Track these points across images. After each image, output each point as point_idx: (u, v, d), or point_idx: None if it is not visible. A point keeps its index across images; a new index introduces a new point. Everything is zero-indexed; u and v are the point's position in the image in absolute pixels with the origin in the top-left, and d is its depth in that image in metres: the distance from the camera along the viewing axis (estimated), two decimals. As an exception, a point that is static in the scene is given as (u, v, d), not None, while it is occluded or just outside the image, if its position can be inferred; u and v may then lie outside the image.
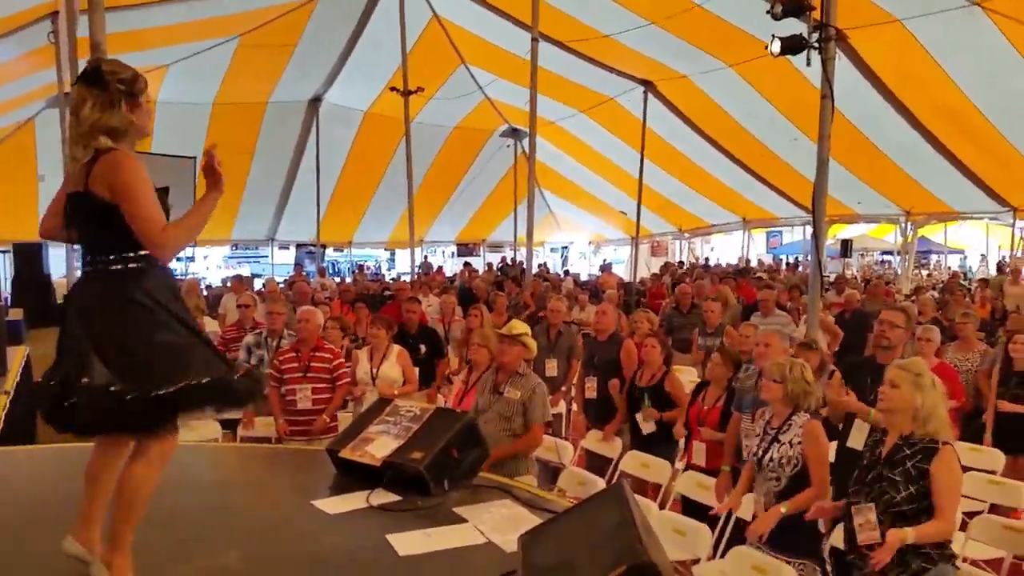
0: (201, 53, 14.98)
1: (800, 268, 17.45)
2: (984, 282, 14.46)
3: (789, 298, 10.06)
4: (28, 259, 10.04)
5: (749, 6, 10.42)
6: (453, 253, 25.48)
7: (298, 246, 22.00)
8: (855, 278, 16.22)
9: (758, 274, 15.46)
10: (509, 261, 20.48)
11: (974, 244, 22.24)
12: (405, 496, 3.28)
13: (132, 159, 2.36)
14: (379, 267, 25.20)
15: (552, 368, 6.33)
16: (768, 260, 21.62)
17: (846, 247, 18.14)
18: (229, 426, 5.62)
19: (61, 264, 10.71)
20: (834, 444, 4.61)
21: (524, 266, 13.76)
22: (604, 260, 24.23)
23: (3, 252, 13.16)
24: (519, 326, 4.65)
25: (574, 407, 6.74)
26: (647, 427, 5.34)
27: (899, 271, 17.60)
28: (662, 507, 4.47)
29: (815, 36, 6.97)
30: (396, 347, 5.76)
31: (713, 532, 4.03)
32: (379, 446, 3.54)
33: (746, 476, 3.95)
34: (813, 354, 5.67)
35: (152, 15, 12.54)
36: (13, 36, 11.10)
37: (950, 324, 7.00)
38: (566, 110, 17.88)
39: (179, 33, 13.78)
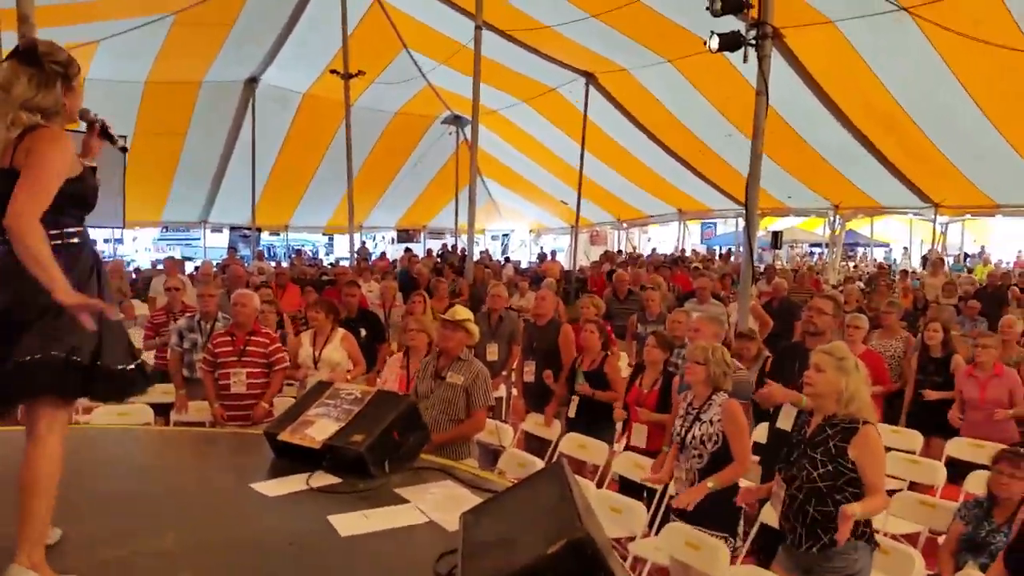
0: (134, 30, 14.45)
1: (733, 258, 17.90)
2: (905, 273, 15.12)
3: (722, 287, 10.33)
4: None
5: (688, 3, 10.63)
6: (393, 239, 25.28)
7: (232, 229, 21.49)
8: (785, 269, 16.73)
9: (694, 264, 15.80)
10: (450, 248, 20.44)
11: (899, 238, 23.15)
12: (346, 479, 3.28)
13: (65, 139, 2.32)
14: (317, 252, 24.83)
15: (493, 353, 6.37)
16: (702, 250, 22.13)
17: (777, 239, 18.67)
18: (162, 411, 5.50)
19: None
20: (765, 425, 4.80)
21: (465, 253, 13.78)
22: (541, 249, 24.43)
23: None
24: (462, 312, 4.67)
25: (514, 391, 6.82)
26: (571, 409, 5.44)
27: (827, 262, 18.22)
28: (599, 487, 4.58)
29: (752, 33, 7.16)
30: (341, 331, 5.71)
31: (648, 510, 4.15)
32: (319, 429, 3.53)
33: (671, 453, 4.10)
34: (752, 343, 5.89)
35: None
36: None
37: (875, 313, 7.31)
38: (508, 99, 17.89)
39: (111, 9, 13.29)
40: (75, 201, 2.39)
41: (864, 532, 3.14)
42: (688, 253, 20.51)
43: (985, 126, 11.94)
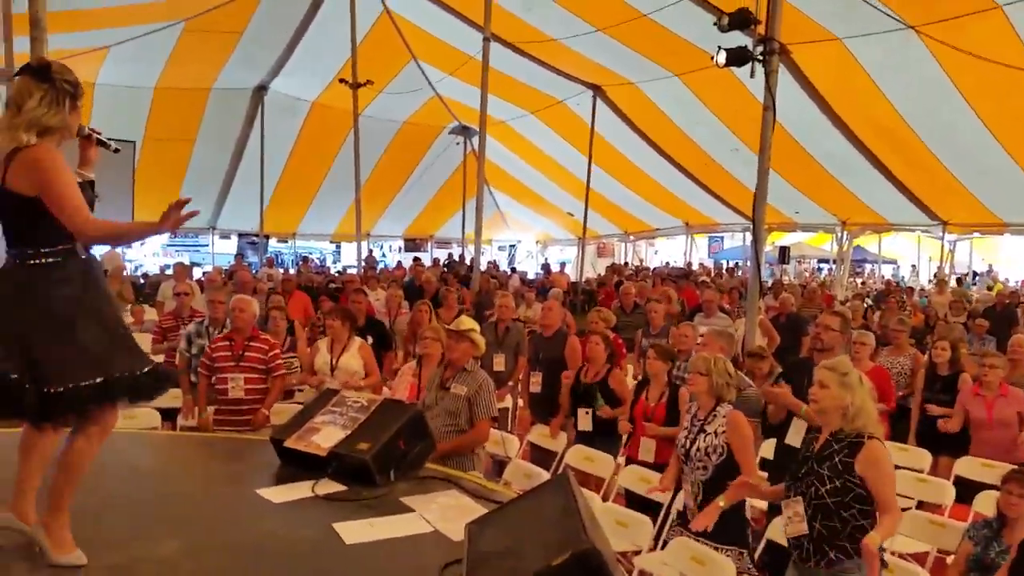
0: (144, 36, 14.57)
1: (740, 272, 17.88)
2: (912, 291, 15.09)
3: (728, 301, 10.31)
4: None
5: (696, 18, 10.70)
6: (400, 248, 25.34)
7: (240, 236, 21.55)
8: (792, 284, 16.71)
9: (701, 278, 15.79)
10: (456, 258, 20.46)
11: (906, 255, 23.09)
12: (351, 486, 3.27)
13: (52, 151, 2.40)
14: (324, 260, 24.88)
15: (500, 363, 6.36)
16: (710, 264, 22.10)
17: (784, 254, 18.64)
18: (169, 416, 5.50)
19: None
20: (773, 441, 4.78)
21: (471, 263, 13.79)
22: (545, 260, 24.44)
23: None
24: (467, 322, 4.66)
25: (520, 402, 6.80)
26: (584, 424, 5.41)
27: (835, 278, 18.19)
28: (605, 500, 4.55)
29: (759, 49, 7.19)
30: (357, 339, 5.70)
31: (654, 524, 4.13)
32: (325, 436, 3.53)
33: (674, 464, 4.09)
34: (764, 361, 5.87)
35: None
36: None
37: (883, 331, 7.28)
38: (516, 110, 17.95)
39: (122, 15, 13.38)
40: None
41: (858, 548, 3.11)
42: (695, 267, 20.49)
43: (991, 144, 11.92)
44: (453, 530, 2.82)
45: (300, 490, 3.22)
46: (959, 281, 17.63)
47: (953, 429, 5.64)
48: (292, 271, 17.03)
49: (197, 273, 14.09)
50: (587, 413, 5.39)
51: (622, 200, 19.72)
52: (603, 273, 18.94)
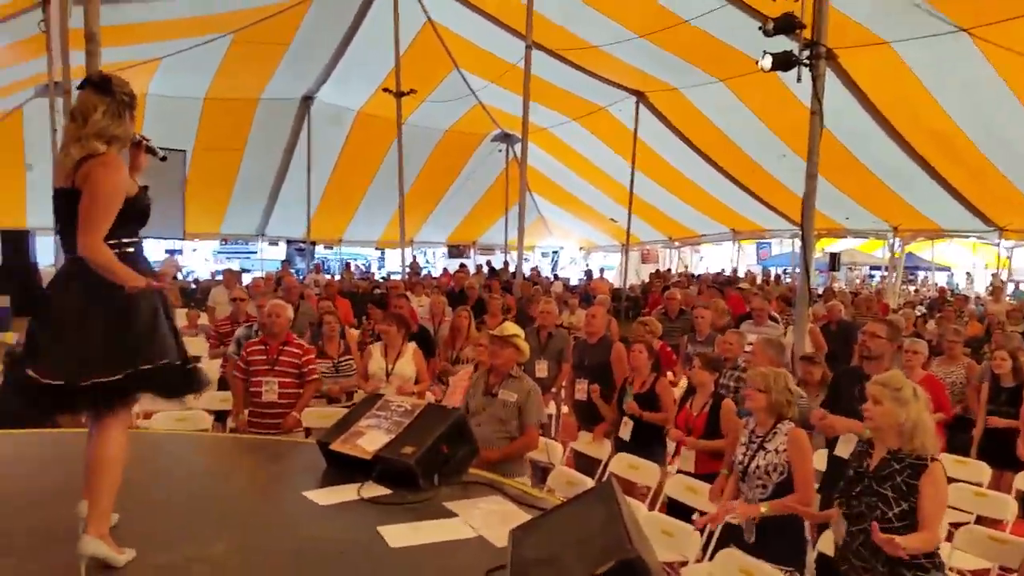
0: (194, 48, 14.94)
1: (788, 280, 17.56)
2: (965, 299, 14.65)
3: (776, 308, 10.12)
4: (15, 246, 10.03)
5: (739, 24, 10.57)
6: (444, 254, 25.51)
7: (288, 242, 21.94)
8: (843, 291, 16.36)
9: (741, 284, 15.55)
10: (499, 264, 20.48)
11: (961, 262, 22.46)
12: (395, 490, 3.29)
13: (121, 164, 2.56)
14: (369, 266, 25.17)
15: (543, 370, 6.33)
16: (758, 271, 21.77)
17: (835, 260, 18.28)
18: (220, 418, 5.60)
19: (48, 252, 10.66)
20: (824, 452, 4.67)
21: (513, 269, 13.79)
22: (587, 267, 24.34)
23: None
24: (511, 328, 4.65)
25: (564, 408, 6.76)
26: (624, 431, 5.34)
27: (887, 285, 17.76)
28: (651, 509, 4.49)
29: (805, 54, 7.06)
30: (411, 345, 5.74)
31: (702, 534, 4.06)
32: (370, 440, 3.55)
33: (732, 485, 3.98)
34: (816, 367, 5.74)
35: (147, 10, 12.50)
36: (3, 25, 11.03)
37: (938, 340, 7.09)
38: (558, 117, 17.95)
39: (173, 28, 13.74)
40: (131, 217, 2.61)
41: (935, 563, 3.01)
42: (742, 274, 20.19)
43: (1048, 148, 11.59)
44: (496, 536, 2.80)
45: (346, 493, 3.24)
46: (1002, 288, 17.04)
47: None
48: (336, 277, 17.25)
49: (246, 279, 14.35)
50: (628, 423, 5.33)
51: (666, 206, 19.56)
52: (647, 279, 18.79)
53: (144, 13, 12.50)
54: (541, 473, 5.02)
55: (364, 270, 23.40)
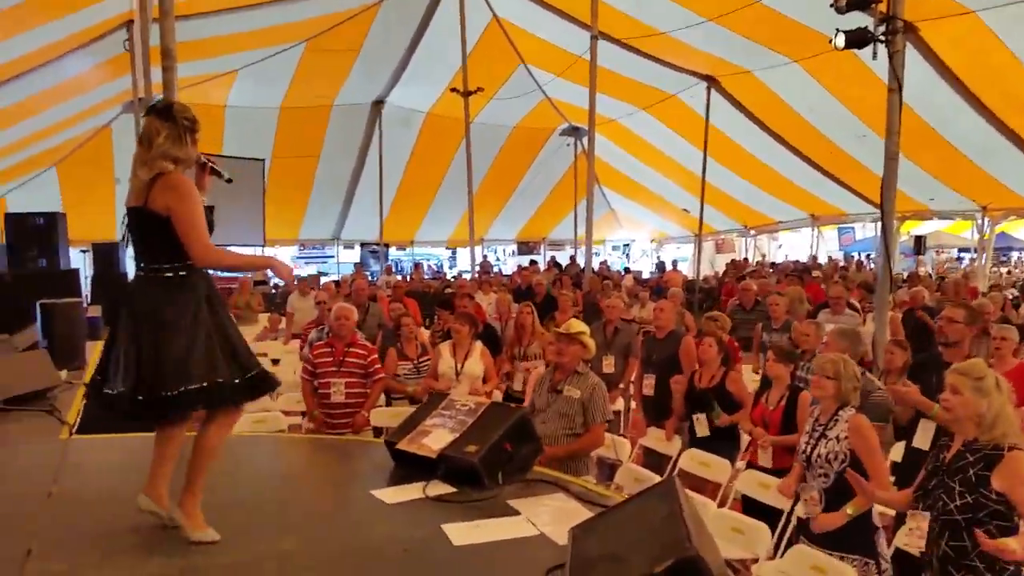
0: (269, 58, 15.42)
1: (871, 266, 16.92)
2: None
3: (857, 296, 9.77)
4: (106, 259, 10.56)
5: (811, 2, 10.18)
6: (514, 251, 25.59)
7: (362, 245, 22.42)
8: (929, 276, 15.65)
9: (815, 272, 15.06)
10: (568, 259, 20.39)
11: (1059, 240, 21.21)
12: (460, 488, 3.34)
13: (189, 183, 2.77)
14: (440, 265, 25.48)
15: (609, 365, 6.30)
16: (839, 257, 21.04)
17: (920, 244, 17.51)
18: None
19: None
20: (901, 444, 4.49)
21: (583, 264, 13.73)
22: (659, 258, 24.00)
23: (84, 252, 13.81)
24: (577, 325, 4.65)
25: (632, 404, 6.70)
26: (701, 429, 5.26)
27: (976, 268, 16.91)
28: (721, 506, 4.41)
29: (881, 29, 6.78)
30: (479, 344, 5.82)
31: (773, 532, 3.97)
32: (435, 439, 3.61)
33: (796, 472, 3.92)
34: (901, 351, 5.54)
35: (222, 23, 12.97)
36: (92, 46, 11.64)
37: (1029, 323, 6.70)
38: (626, 107, 17.73)
39: (247, 40, 14.21)
40: None
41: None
42: (823, 260, 19.54)
43: None
44: (558, 534, 2.82)
45: (411, 491, 3.31)
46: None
47: None
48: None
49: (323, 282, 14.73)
50: (702, 418, 5.24)
51: (741, 193, 19.10)
52: (723, 269, 18.40)
53: (218, 27, 12.96)
54: (609, 470, 5.00)
55: (436, 270, 23.70)
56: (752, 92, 15.12)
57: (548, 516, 3.08)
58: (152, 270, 2.76)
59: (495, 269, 19.66)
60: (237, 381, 2.77)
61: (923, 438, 3.87)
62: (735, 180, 18.20)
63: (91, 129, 15.88)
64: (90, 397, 2.90)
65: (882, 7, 6.83)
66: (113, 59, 12.04)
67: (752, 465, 4.79)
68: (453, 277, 19.03)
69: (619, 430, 6.39)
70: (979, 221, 15.84)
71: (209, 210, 2.84)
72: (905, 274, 14.09)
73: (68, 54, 11.48)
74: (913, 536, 2.95)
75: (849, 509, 3.45)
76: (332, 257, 22.89)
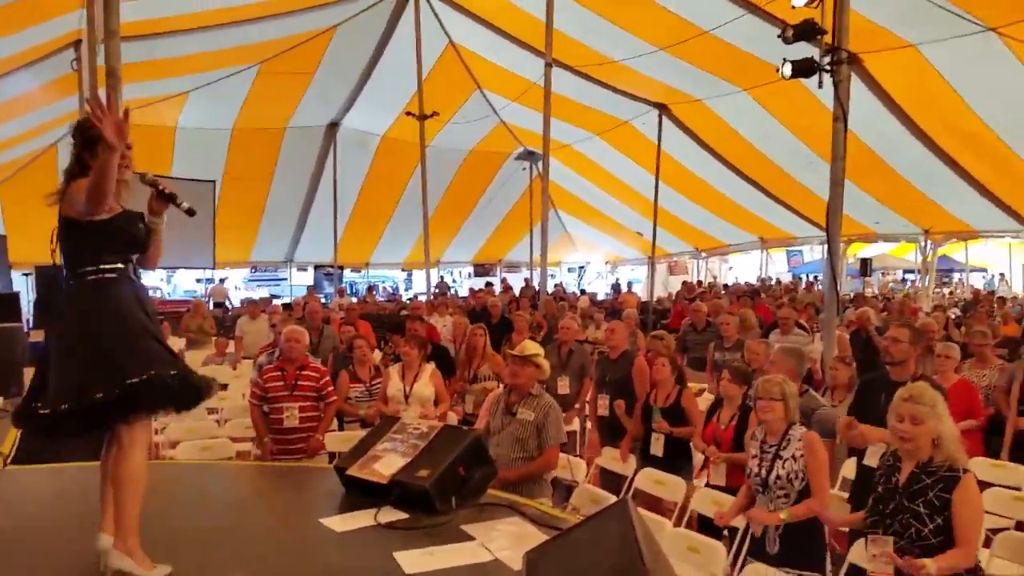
0: (221, 80, 15.25)
1: (819, 287, 17.31)
2: (1003, 300, 14.30)
3: (805, 316, 9.98)
4: (49, 282, 10.23)
5: (760, 32, 10.51)
6: (470, 273, 25.59)
7: (316, 268, 22.18)
8: (875, 297, 16.06)
9: (763, 294, 15.37)
10: (519, 281, 20.44)
11: (997, 263, 21.97)
12: (412, 514, 3.27)
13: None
14: (396, 288, 25.32)
15: (564, 386, 6.29)
16: (787, 279, 21.50)
17: (866, 266, 17.98)
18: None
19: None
20: (853, 460, 4.56)
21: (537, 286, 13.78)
22: (616, 280, 24.24)
23: (26, 275, 13.40)
24: (532, 347, 4.63)
25: (588, 425, 6.70)
26: (656, 446, 5.28)
27: (920, 289, 17.43)
28: (677, 525, 4.41)
29: (826, 60, 7.00)
30: (429, 366, 5.75)
31: (728, 551, 3.98)
32: (386, 464, 3.54)
33: (744, 492, 3.96)
34: (844, 368, 5.65)
35: (175, 44, 12.81)
36: (39, 64, 11.39)
37: (968, 342, 6.90)
38: (581, 133, 17.98)
39: (200, 61, 14.05)
40: (115, 239, 2.72)
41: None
42: (773, 282, 19.94)
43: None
44: (514, 558, 2.77)
45: (362, 519, 3.23)
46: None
47: None
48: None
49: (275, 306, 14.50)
50: (660, 439, 5.27)
51: (692, 217, 19.45)
52: (676, 291, 18.64)
53: (171, 48, 12.80)
54: (566, 491, 4.97)
55: (392, 292, 23.54)
56: (703, 119, 15.46)
57: (503, 541, 3.03)
58: (76, 275, 2.69)
59: (452, 291, 19.58)
60: (174, 373, 2.66)
61: (874, 457, 3.92)
62: (687, 204, 18.53)
63: (37, 149, 15.48)
64: (22, 423, 2.73)
65: (827, 39, 7.06)
66: (60, 78, 11.79)
67: (709, 484, 4.82)
68: (409, 299, 18.92)
69: (575, 451, 6.37)
70: (922, 244, 16.38)
71: (132, 217, 2.78)
72: (852, 295, 14.43)
73: (14, 72, 11.21)
74: (878, 562, 2.96)
75: (783, 514, 3.56)
76: (285, 280, 22.60)
